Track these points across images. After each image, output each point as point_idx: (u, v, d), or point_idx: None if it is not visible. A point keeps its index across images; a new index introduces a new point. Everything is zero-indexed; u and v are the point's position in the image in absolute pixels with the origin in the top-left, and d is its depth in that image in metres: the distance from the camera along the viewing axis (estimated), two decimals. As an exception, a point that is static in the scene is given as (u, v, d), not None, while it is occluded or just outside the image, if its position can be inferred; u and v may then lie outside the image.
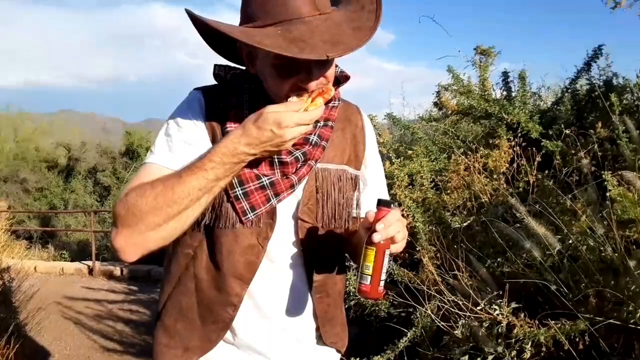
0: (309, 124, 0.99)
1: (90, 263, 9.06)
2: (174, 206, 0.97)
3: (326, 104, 1.10)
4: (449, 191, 2.82)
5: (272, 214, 1.11)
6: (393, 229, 0.97)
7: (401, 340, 2.00)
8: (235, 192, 1.07)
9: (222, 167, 0.98)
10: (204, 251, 1.13)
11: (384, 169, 2.80)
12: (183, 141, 1.08)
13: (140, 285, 7.83)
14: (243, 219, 1.07)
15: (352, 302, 2.36)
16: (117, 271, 8.55)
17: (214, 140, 1.08)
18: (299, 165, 1.10)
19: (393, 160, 2.63)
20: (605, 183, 1.85)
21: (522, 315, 1.72)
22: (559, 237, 1.89)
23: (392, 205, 1.00)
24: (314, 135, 1.12)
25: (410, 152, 2.91)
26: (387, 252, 0.98)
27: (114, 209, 1.00)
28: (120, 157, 14.43)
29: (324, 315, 1.21)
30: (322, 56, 0.91)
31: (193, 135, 1.09)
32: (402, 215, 1.30)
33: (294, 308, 1.17)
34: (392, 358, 2.00)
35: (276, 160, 1.08)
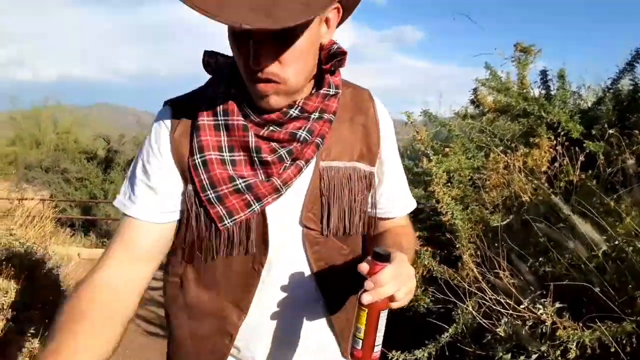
0: None
1: (129, 252, 9.33)
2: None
3: (317, 92, 0.97)
4: (487, 189, 2.84)
5: (263, 235, 0.98)
6: (388, 289, 0.81)
7: (442, 336, 2.05)
8: (208, 194, 0.94)
9: None
10: (190, 279, 1.03)
11: (422, 166, 2.87)
12: (147, 186, 0.97)
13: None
14: (220, 225, 0.95)
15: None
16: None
17: (181, 166, 0.96)
18: (285, 166, 0.95)
19: (431, 157, 2.66)
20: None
21: (567, 315, 1.75)
22: (604, 237, 1.91)
23: (390, 257, 0.84)
24: (303, 130, 0.95)
25: (447, 149, 2.93)
26: (383, 313, 0.84)
27: (71, 291, 0.94)
28: (157, 150, 14.73)
29: (342, 331, 1.08)
30: (236, 23, 0.72)
31: (157, 179, 0.97)
32: (416, 251, 1.20)
33: (305, 329, 1.05)
34: (434, 353, 2.04)
35: (256, 159, 0.94)
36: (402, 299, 0.85)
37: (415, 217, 3.64)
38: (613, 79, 3.32)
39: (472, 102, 4.25)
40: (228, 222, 0.95)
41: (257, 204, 0.95)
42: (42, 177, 15.32)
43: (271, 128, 0.94)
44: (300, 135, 0.94)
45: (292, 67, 0.87)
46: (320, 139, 0.97)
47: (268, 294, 1.01)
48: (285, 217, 0.99)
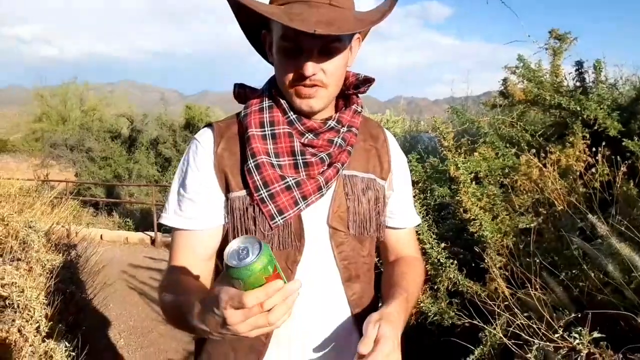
0: (251, 310, 0.78)
1: (152, 234, 9.44)
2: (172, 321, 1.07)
3: (347, 108, 1.15)
4: (517, 192, 2.70)
5: (299, 234, 1.08)
6: None
7: (468, 359, 1.96)
8: (261, 194, 1.05)
9: (184, 326, 0.98)
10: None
11: (450, 172, 2.74)
12: (187, 198, 1.10)
13: (199, 258, 8.09)
14: (271, 223, 1.05)
15: (413, 311, 2.33)
16: (177, 243, 8.86)
17: (227, 181, 1.09)
18: (324, 167, 1.09)
19: (459, 165, 2.53)
20: None
21: (604, 344, 1.63)
22: (645, 259, 1.77)
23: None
24: (338, 138, 1.11)
25: (475, 153, 2.79)
26: None
27: (160, 286, 1.12)
28: (181, 130, 14.78)
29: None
30: (309, 29, 0.91)
31: (196, 190, 1.10)
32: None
33: (333, 325, 1.13)
34: (459, 375, 1.96)
35: (300, 161, 1.07)
36: None
37: (439, 214, 3.52)
38: (656, 73, 3.10)
39: (502, 93, 4.06)
40: (279, 220, 1.05)
41: (303, 202, 1.06)
42: (68, 155, 15.55)
43: (310, 136, 1.09)
44: (337, 142, 1.10)
45: (332, 77, 1.05)
46: (350, 147, 1.13)
47: (300, 293, 1.01)
48: (314, 218, 1.10)
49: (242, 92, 1.19)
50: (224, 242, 1.12)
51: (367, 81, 1.17)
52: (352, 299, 1.14)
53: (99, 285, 4.64)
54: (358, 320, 1.13)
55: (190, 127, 14.65)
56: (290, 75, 1.04)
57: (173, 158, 14.23)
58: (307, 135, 1.09)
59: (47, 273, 3.37)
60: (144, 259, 8.03)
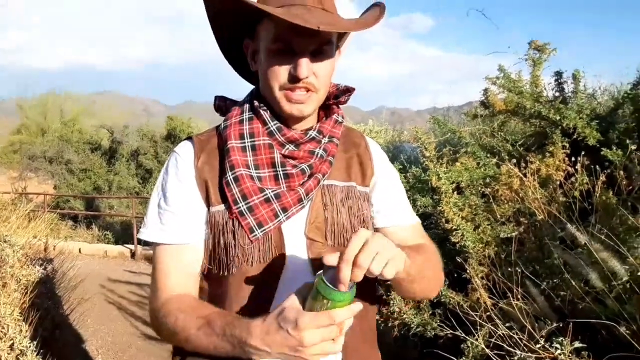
0: (331, 330, 0.84)
1: (132, 247, 9.29)
2: (184, 346, 1.00)
3: (328, 118, 1.13)
4: (499, 202, 2.70)
5: (280, 247, 1.04)
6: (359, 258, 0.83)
7: (451, 370, 1.93)
8: (239, 207, 1.02)
9: (230, 347, 0.92)
10: (205, 300, 1.08)
11: (432, 183, 2.74)
12: (170, 211, 1.06)
13: (180, 271, 7.97)
14: (251, 236, 1.02)
15: (397, 322, 2.30)
16: (157, 256, 8.73)
17: (207, 194, 1.06)
18: (305, 179, 1.06)
19: (441, 176, 2.52)
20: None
21: (586, 354, 1.62)
22: (626, 266, 1.77)
23: None
24: (319, 148, 1.09)
25: (457, 163, 2.79)
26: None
27: (150, 303, 1.07)
28: (162, 141, 14.66)
29: (354, 343, 1.06)
30: (313, 26, 0.91)
31: (179, 204, 1.06)
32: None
33: None
34: (441, 387, 1.93)
35: (280, 173, 1.05)
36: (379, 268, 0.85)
37: (422, 224, 3.51)
38: (633, 83, 3.15)
39: (482, 103, 4.10)
40: (258, 233, 1.02)
41: (283, 215, 1.03)
42: (46, 167, 15.30)
43: (291, 147, 1.06)
44: (318, 153, 1.07)
45: (322, 81, 1.03)
46: (332, 158, 1.10)
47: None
48: (294, 230, 1.06)
49: (223, 105, 1.17)
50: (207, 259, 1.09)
51: (347, 91, 1.15)
52: None
53: (76, 300, 4.53)
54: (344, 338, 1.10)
55: (172, 138, 14.54)
56: (282, 78, 1.01)
57: (154, 169, 14.08)
58: (287, 146, 1.06)
59: (22, 288, 3.28)
60: (123, 272, 7.88)
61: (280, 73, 1.01)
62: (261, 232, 1.03)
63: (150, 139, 15.00)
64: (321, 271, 0.85)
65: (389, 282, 0.98)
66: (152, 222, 1.08)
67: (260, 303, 1.03)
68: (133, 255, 9.15)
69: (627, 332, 1.64)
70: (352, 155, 1.17)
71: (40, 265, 4.00)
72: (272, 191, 1.04)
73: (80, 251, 9.23)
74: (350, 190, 1.13)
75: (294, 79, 1.00)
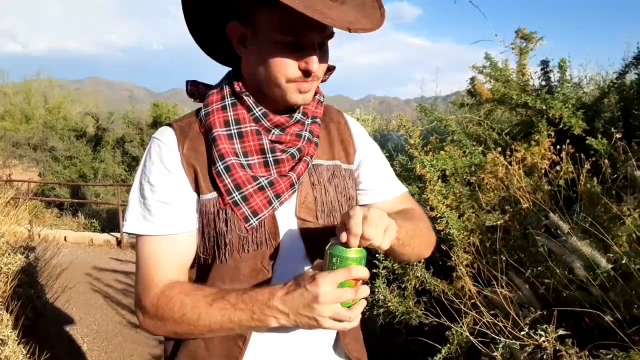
0: (347, 292, 0.89)
1: (118, 235, 9.22)
2: (195, 329, 0.98)
3: (313, 98, 1.11)
4: (484, 190, 2.70)
5: (274, 233, 1.04)
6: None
7: (435, 358, 1.94)
8: (233, 197, 1.01)
9: (249, 314, 0.93)
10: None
11: (417, 171, 2.73)
12: (159, 201, 1.02)
13: (167, 259, 7.93)
14: (246, 225, 1.01)
15: (381, 310, 2.31)
16: (144, 244, 8.67)
17: (197, 182, 1.03)
18: (294, 163, 1.06)
19: (425, 163, 2.51)
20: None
21: (570, 342, 1.63)
22: (609, 255, 1.78)
23: None
24: (305, 131, 1.09)
25: (442, 152, 2.78)
26: None
27: (140, 300, 1.01)
28: (148, 129, 14.51)
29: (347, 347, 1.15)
30: (343, 27, 0.90)
31: (169, 193, 1.03)
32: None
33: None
34: (426, 374, 1.94)
35: (270, 159, 1.04)
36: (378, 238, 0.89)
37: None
38: (619, 73, 3.15)
39: (469, 92, 4.09)
40: (254, 221, 1.01)
41: (276, 201, 1.03)
42: (31, 154, 15.09)
43: (277, 132, 1.05)
44: (305, 136, 1.07)
45: (322, 70, 1.03)
46: (317, 139, 1.11)
47: None
48: (286, 213, 1.06)
49: (195, 90, 1.13)
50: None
51: (328, 70, 1.10)
52: None
53: (60, 289, 4.49)
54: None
55: (158, 125, 14.38)
56: (292, 71, 0.98)
57: (140, 157, 13.90)
58: (273, 131, 1.05)
59: (4, 277, 3.24)
60: (109, 260, 7.83)
61: (290, 66, 0.98)
62: (256, 220, 1.02)
63: (136, 126, 14.83)
64: (330, 242, 0.91)
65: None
66: (136, 214, 1.04)
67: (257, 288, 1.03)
68: (119, 243, 9.09)
69: (611, 319, 1.65)
70: (333, 134, 1.18)
71: (22, 253, 3.95)
72: (266, 179, 1.03)
73: (65, 239, 9.15)
74: (336, 169, 1.14)
75: (306, 73, 0.98)
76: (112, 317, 5.29)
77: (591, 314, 1.77)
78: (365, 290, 0.90)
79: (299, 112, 1.07)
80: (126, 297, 5.82)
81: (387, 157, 3.42)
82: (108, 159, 14.37)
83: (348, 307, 0.88)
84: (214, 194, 1.03)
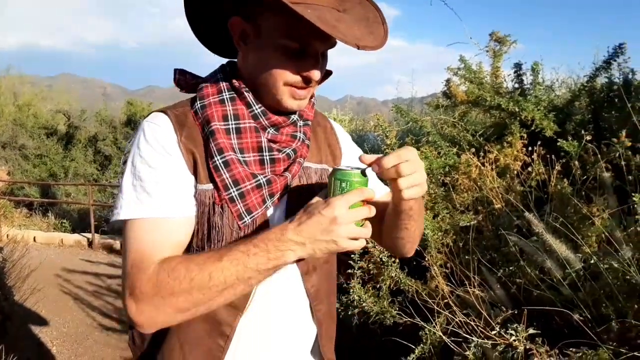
0: (361, 210, 0.90)
1: (89, 235, 9.04)
2: (208, 293, 0.90)
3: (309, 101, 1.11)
4: (458, 191, 2.73)
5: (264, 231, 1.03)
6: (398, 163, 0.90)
7: (409, 358, 1.94)
8: (230, 193, 0.99)
9: (265, 256, 0.89)
10: None
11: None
12: (157, 182, 0.96)
13: (140, 260, 7.80)
14: (240, 223, 1.00)
15: (356, 310, 2.31)
16: (117, 245, 8.52)
17: (195, 170, 0.99)
18: (289, 163, 1.06)
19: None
20: (635, 206, 1.76)
21: (540, 341, 1.65)
22: (579, 255, 1.81)
23: None
24: (299, 132, 1.09)
25: (419, 144, 2.80)
26: None
27: (131, 284, 0.91)
28: (122, 127, 14.27)
29: (324, 324, 1.16)
30: (351, 44, 0.89)
31: (168, 174, 0.97)
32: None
33: (294, 322, 1.11)
34: (399, 374, 1.94)
35: (267, 157, 1.03)
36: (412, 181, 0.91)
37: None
38: (589, 76, 3.22)
39: (445, 94, 4.13)
40: (247, 219, 1.00)
41: (269, 200, 1.02)
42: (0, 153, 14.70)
43: (272, 131, 1.04)
44: (299, 137, 1.08)
45: (319, 77, 1.01)
46: (309, 141, 1.12)
47: (262, 292, 1.04)
48: (273, 212, 1.06)
49: (183, 79, 1.10)
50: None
51: (325, 74, 1.09)
52: (310, 291, 1.12)
53: (28, 290, 4.37)
54: (316, 314, 1.13)
55: (132, 123, 14.15)
56: (291, 76, 0.98)
57: (113, 156, 13.69)
58: (269, 129, 1.04)
59: (-31, 278, 3.14)
60: (79, 261, 7.65)
61: (290, 71, 0.98)
62: (250, 218, 1.01)
63: (109, 125, 14.56)
64: (332, 170, 0.93)
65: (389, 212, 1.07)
66: (131, 198, 0.96)
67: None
68: (90, 244, 8.90)
69: (581, 318, 1.68)
70: (320, 137, 1.19)
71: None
72: (264, 177, 1.01)
73: (35, 240, 8.93)
74: (324, 173, 1.15)
75: (306, 80, 0.99)
76: (83, 319, 5.17)
77: (561, 313, 1.80)
78: (373, 209, 0.91)
79: (295, 114, 1.07)
80: (97, 299, 5.71)
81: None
82: (79, 157, 14.07)
83: (360, 227, 0.91)
84: (211, 186, 1.00)
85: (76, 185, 12.71)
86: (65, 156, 14.33)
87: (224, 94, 1.04)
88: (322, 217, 0.87)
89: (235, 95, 1.04)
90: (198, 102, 1.04)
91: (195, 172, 1.00)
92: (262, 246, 0.89)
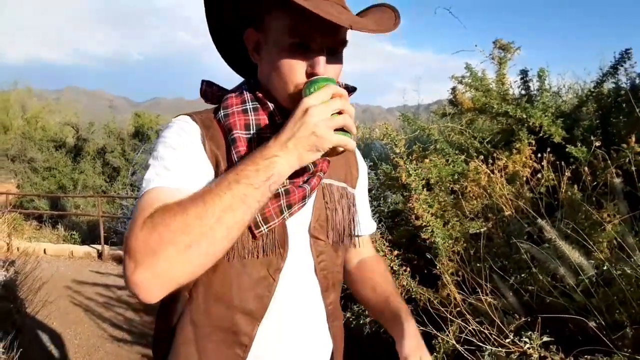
0: (336, 102, 0.91)
1: (99, 247, 9.08)
2: (205, 218, 0.83)
3: None
4: (467, 198, 2.73)
5: (282, 242, 1.04)
6: None
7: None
8: None
9: (253, 168, 0.88)
10: (200, 292, 1.02)
11: (401, 179, 2.76)
12: (177, 159, 0.96)
13: (149, 270, 7.83)
14: (255, 232, 0.99)
15: (368, 320, 2.31)
16: (125, 256, 8.55)
17: (217, 167, 0.99)
18: (309, 176, 1.05)
19: (410, 172, 2.53)
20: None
21: (554, 348, 1.64)
22: (592, 261, 1.81)
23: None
24: None
25: (426, 160, 2.81)
26: None
27: (128, 242, 0.83)
28: (130, 139, 14.37)
29: (338, 340, 1.19)
30: (345, 24, 0.89)
31: (189, 155, 0.97)
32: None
33: (312, 336, 1.12)
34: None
35: None
36: None
37: (393, 221, 3.53)
38: (596, 81, 3.22)
39: (451, 101, 4.15)
40: (264, 229, 0.99)
41: (287, 211, 1.01)
42: (9, 166, 14.83)
43: None
44: None
45: (334, 75, 1.01)
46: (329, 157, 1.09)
47: (280, 302, 1.05)
48: (296, 226, 1.06)
49: (209, 91, 1.11)
50: None
51: (348, 90, 1.10)
52: (328, 308, 1.14)
53: (40, 303, 4.40)
54: (332, 330, 1.15)
55: (140, 135, 14.26)
56: (298, 75, 0.98)
57: (122, 167, 13.79)
58: None
59: (-18, 292, 3.17)
60: (89, 273, 7.69)
61: (297, 69, 0.97)
62: (266, 228, 1.00)
63: (117, 137, 14.68)
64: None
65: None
66: (150, 176, 0.94)
67: (260, 294, 1.02)
68: (100, 255, 8.94)
69: (595, 325, 1.67)
70: (344, 157, 1.18)
71: (1, 267, 3.88)
72: (283, 186, 1.00)
73: (45, 252, 8.98)
74: (344, 191, 1.16)
75: (311, 75, 0.97)
76: (94, 331, 5.19)
77: (575, 320, 1.79)
78: (352, 108, 0.93)
79: None
80: (107, 310, 5.73)
81: (370, 166, 3.45)
82: (88, 169, 14.18)
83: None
84: None
85: (85, 197, 12.79)
86: (74, 168, 14.45)
87: (247, 104, 1.04)
88: (296, 116, 0.89)
89: (258, 105, 1.04)
90: (222, 111, 1.05)
91: (216, 173, 0.99)
92: (249, 162, 0.89)
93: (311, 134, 0.88)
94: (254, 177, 0.87)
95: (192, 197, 0.87)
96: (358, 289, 1.31)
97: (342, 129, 0.92)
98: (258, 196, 0.88)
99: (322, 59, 0.96)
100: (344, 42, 1.00)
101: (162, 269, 0.81)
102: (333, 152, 0.94)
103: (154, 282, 0.82)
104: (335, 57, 1.00)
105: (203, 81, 1.12)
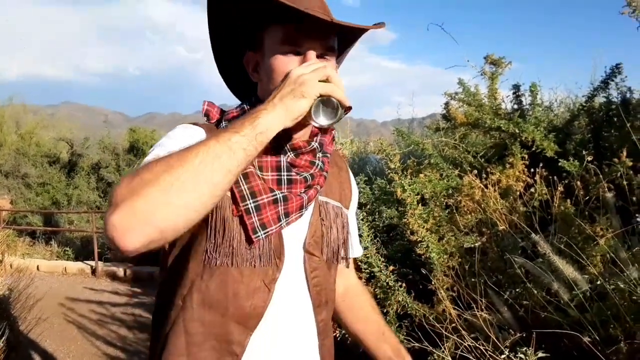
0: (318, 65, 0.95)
1: (93, 263, 9.02)
2: (188, 159, 0.82)
3: (325, 133, 1.12)
4: (462, 213, 2.74)
5: (279, 252, 1.05)
6: None
7: (418, 384, 1.94)
8: (247, 204, 1.00)
9: (240, 121, 0.90)
10: (195, 299, 1.02)
11: (397, 194, 2.77)
12: (175, 141, 0.97)
13: (144, 287, 7.79)
14: (253, 237, 0.99)
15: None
16: (120, 272, 8.50)
17: None
18: (306, 187, 1.07)
19: (405, 188, 2.55)
20: (639, 226, 1.78)
21: (548, 364, 1.65)
22: (586, 276, 1.82)
23: None
24: (318, 160, 1.10)
25: (421, 175, 2.83)
26: None
27: (112, 192, 0.80)
28: (124, 154, 14.34)
29: (327, 359, 1.18)
30: (327, 18, 0.96)
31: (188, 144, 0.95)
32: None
33: (303, 351, 1.12)
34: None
35: (284, 177, 1.04)
36: None
37: (388, 235, 3.53)
38: (587, 96, 3.26)
39: (444, 116, 4.18)
40: (261, 234, 1.00)
41: (284, 219, 1.03)
42: (2, 181, 14.76)
43: (292, 155, 1.05)
44: (318, 164, 1.09)
45: None
46: (326, 173, 1.12)
47: (274, 314, 1.05)
48: (292, 240, 1.07)
49: (211, 110, 1.13)
50: (193, 237, 1.01)
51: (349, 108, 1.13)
52: (320, 325, 1.14)
53: (33, 320, 4.36)
54: (322, 349, 1.15)
55: (135, 150, 14.24)
56: None
57: (116, 183, 13.73)
58: (289, 153, 1.06)
59: (-26, 310, 3.13)
60: (83, 290, 7.64)
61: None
62: (264, 233, 1.01)
63: (112, 152, 14.66)
64: None
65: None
66: (148, 159, 0.92)
67: (255, 304, 1.03)
68: (94, 272, 8.88)
69: (589, 340, 1.68)
70: (338, 177, 1.22)
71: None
72: (281, 193, 1.03)
73: (38, 268, 8.92)
74: (339, 211, 1.18)
75: None
76: (87, 348, 5.14)
77: (570, 335, 1.80)
78: (339, 79, 0.97)
79: (315, 141, 1.09)
80: (101, 327, 5.68)
81: (365, 180, 3.44)
82: (82, 185, 14.13)
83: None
84: (229, 194, 1.00)
85: (79, 212, 12.73)
86: (68, 184, 14.39)
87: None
88: (288, 83, 0.93)
89: None
90: (223, 123, 1.09)
91: None
92: (237, 121, 0.91)
93: (295, 84, 0.92)
94: (239, 126, 0.88)
95: (179, 152, 0.85)
96: (347, 320, 1.34)
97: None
98: (244, 143, 0.86)
99: (312, 53, 1.00)
100: (331, 48, 1.04)
101: (140, 208, 0.77)
102: (325, 115, 0.98)
103: (131, 221, 0.77)
104: (328, 54, 1.04)
105: (205, 102, 1.14)
